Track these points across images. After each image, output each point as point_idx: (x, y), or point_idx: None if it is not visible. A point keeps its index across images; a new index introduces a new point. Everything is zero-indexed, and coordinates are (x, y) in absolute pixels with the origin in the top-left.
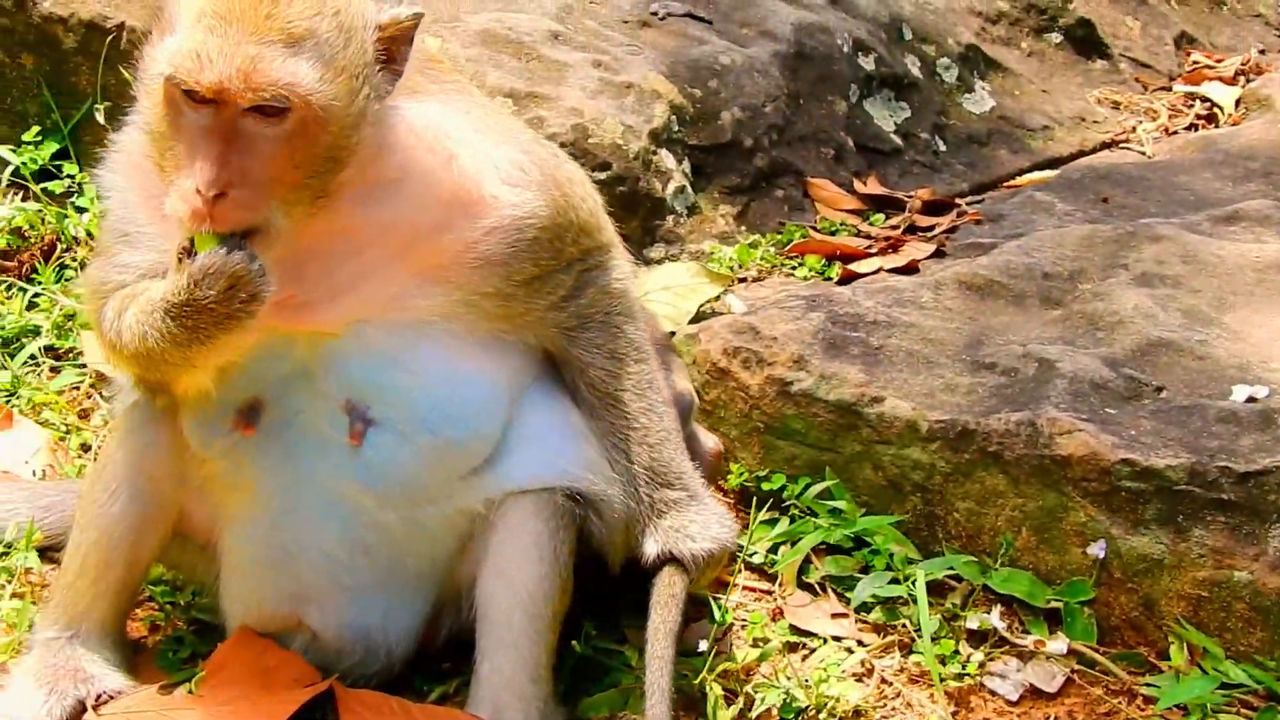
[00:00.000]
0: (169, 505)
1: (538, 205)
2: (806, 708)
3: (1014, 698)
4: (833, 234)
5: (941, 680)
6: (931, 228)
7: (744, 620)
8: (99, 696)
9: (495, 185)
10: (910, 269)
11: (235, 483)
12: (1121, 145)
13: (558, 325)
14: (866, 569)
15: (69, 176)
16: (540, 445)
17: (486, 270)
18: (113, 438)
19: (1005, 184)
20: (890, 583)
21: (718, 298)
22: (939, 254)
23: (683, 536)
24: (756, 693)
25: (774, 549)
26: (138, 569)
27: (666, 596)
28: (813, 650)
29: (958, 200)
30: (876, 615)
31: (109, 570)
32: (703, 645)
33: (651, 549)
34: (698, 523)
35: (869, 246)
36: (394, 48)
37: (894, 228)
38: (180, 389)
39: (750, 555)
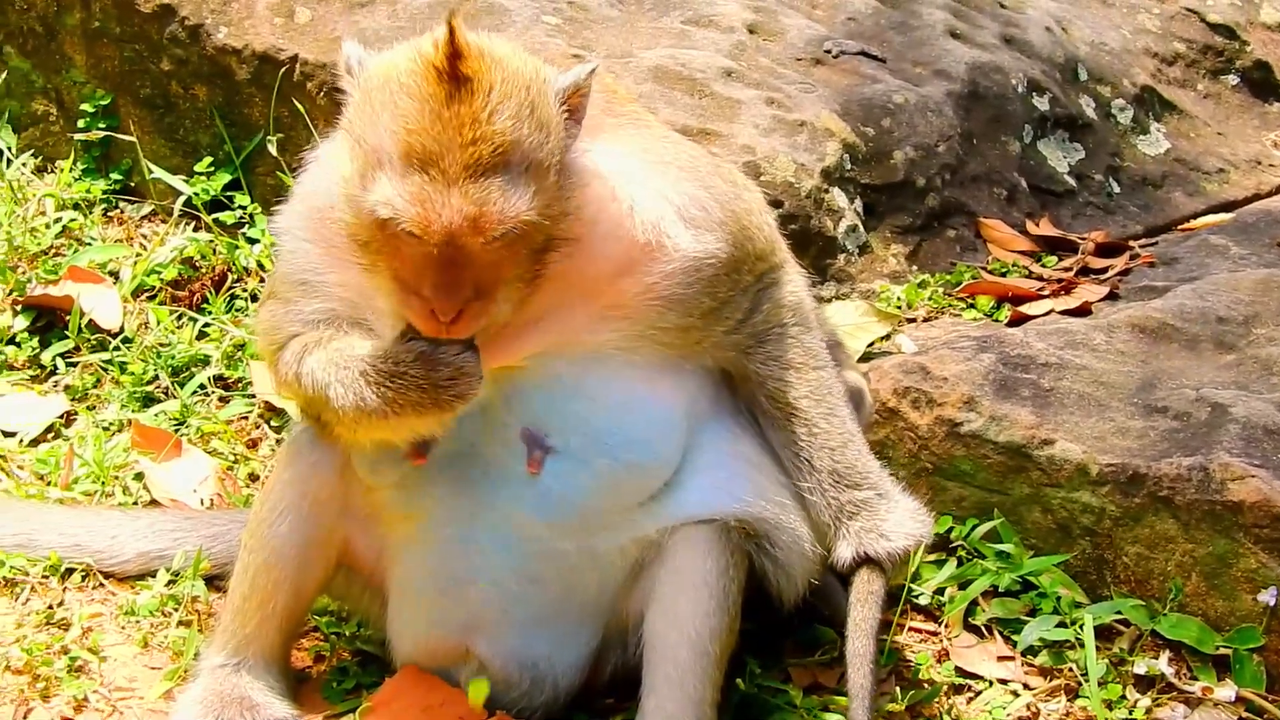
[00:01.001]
0: (334, 530)
1: (717, 247)
2: None
3: None
4: (1004, 275)
5: None
6: (1104, 270)
7: (910, 662)
8: None
9: (675, 228)
10: (1082, 311)
11: (405, 513)
12: None
13: (736, 347)
14: (1033, 612)
15: (240, 207)
16: (715, 474)
17: (664, 308)
18: (281, 460)
19: (1179, 227)
20: (1057, 626)
21: (886, 337)
22: (1112, 296)
23: (876, 536)
24: None
25: (940, 591)
26: (304, 594)
27: (865, 594)
28: (978, 693)
29: (1131, 243)
30: (1043, 659)
31: (276, 592)
32: None
33: (846, 552)
34: (890, 521)
35: (1041, 288)
36: (575, 107)
37: (1066, 269)
38: (337, 434)
39: (916, 596)
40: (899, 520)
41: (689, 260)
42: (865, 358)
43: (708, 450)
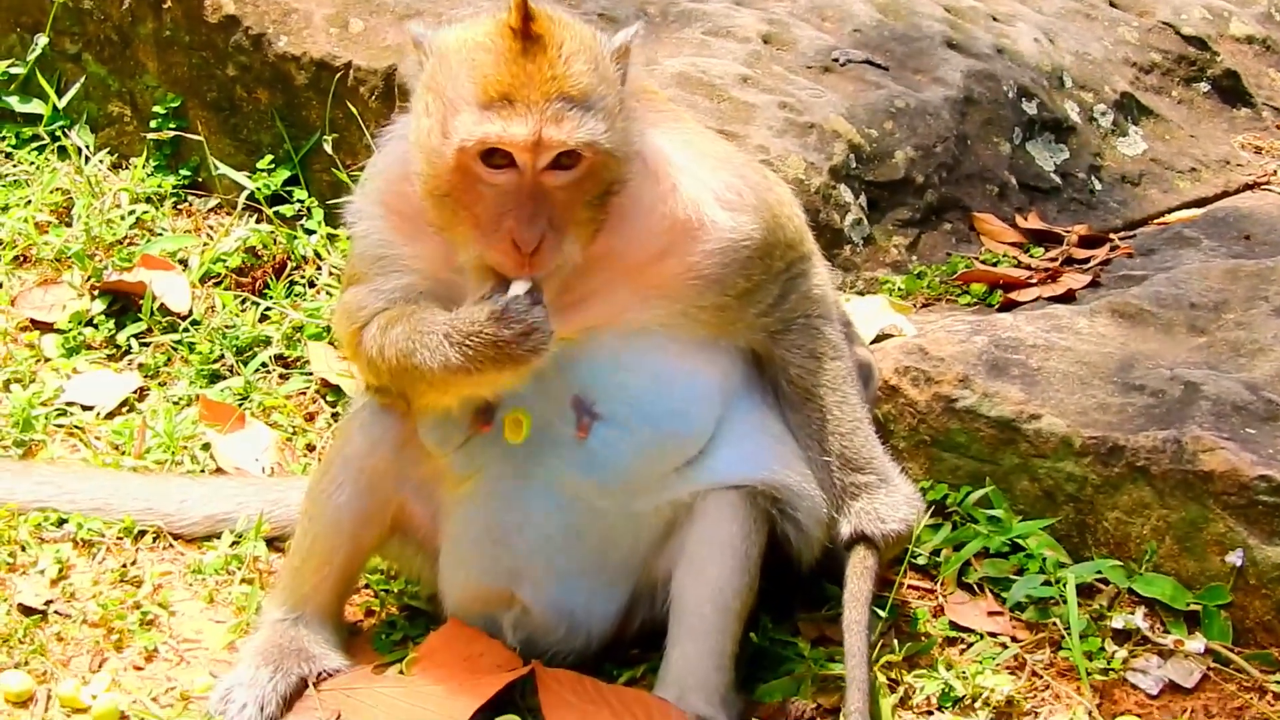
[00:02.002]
0: (389, 500)
1: (752, 229)
2: (963, 697)
3: (1154, 692)
4: (995, 265)
5: (1088, 674)
6: (1087, 260)
7: (908, 617)
8: (320, 674)
9: (714, 210)
10: (1067, 298)
11: (464, 474)
12: (1263, 187)
13: (765, 330)
14: (1021, 571)
15: (299, 201)
16: (745, 444)
17: (703, 287)
18: (341, 435)
19: (1155, 221)
20: (1043, 584)
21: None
22: (1094, 284)
23: (874, 518)
24: (917, 682)
25: (936, 552)
26: (359, 558)
27: (861, 569)
28: (970, 645)
29: (1111, 235)
30: (1029, 614)
31: (333, 556)
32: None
33: (845, 529)
34: (887, 505)
35: (1029, 277)
36: (625, 69)
37: (1052, 259)
38: (420, 405)
39: (915, 557)
40: (895, 504)
41: (726, 240)
42: (878, 339)
43: (739, 423)
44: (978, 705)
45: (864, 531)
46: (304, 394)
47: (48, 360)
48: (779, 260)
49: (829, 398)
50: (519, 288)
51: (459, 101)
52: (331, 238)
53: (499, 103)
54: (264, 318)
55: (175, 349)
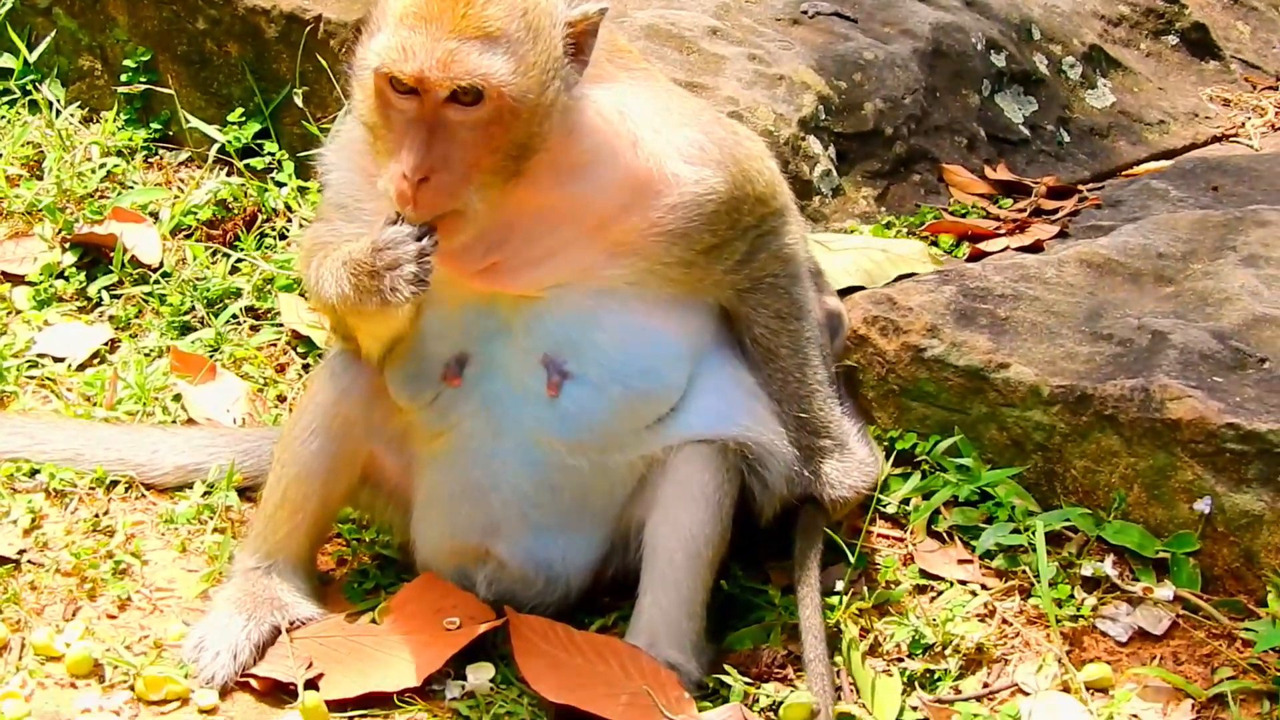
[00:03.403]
0: (359, 450)
1: (716, 181)
2: (933, 644)
3: (1123, 639)
4: (963, 216)
5: (1057, 622)
6: (1055, 211)
7: (877, 565)
8: (292, 623)
9: (676, 164)
10: (1035, 248)
11: (436, 430)
12: (1231, 139)
13: (733, 286)
14: (990, 520)
15: (269, 154)
16: (717, 399)
17: (669, 242)
18: (314, 383)
19: (1124, 173)
20: (1012, 533)
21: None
22: (1062, 235)
23: (823, 482)
24: (887, 629)
25: (906, 501)
26: (330, 505)
27: (808, 528)
28: (940, 593)
29: (1080, 187)
30: (999, 562)
31: (305, 503)
32: (839, 586)
33: (795, 489)
34: (838, 470)
35: (997, 228)
36: (582, 40)
37: (1021, 210)
38: (364, 350)
39: (884, 506)
40: (846, 470)
41: (689, 194)
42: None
43: (712, 378)
44: (948, 652)
45: (812, 494)
46: (274, 345)
47: (19, 312)
48: (747, 215)
49: (790, 360)
50: (406, 223)
51: (379, 25)
52: (302, 190)
53: (407, 30)
54: (235, 270)
55: (146, 301)
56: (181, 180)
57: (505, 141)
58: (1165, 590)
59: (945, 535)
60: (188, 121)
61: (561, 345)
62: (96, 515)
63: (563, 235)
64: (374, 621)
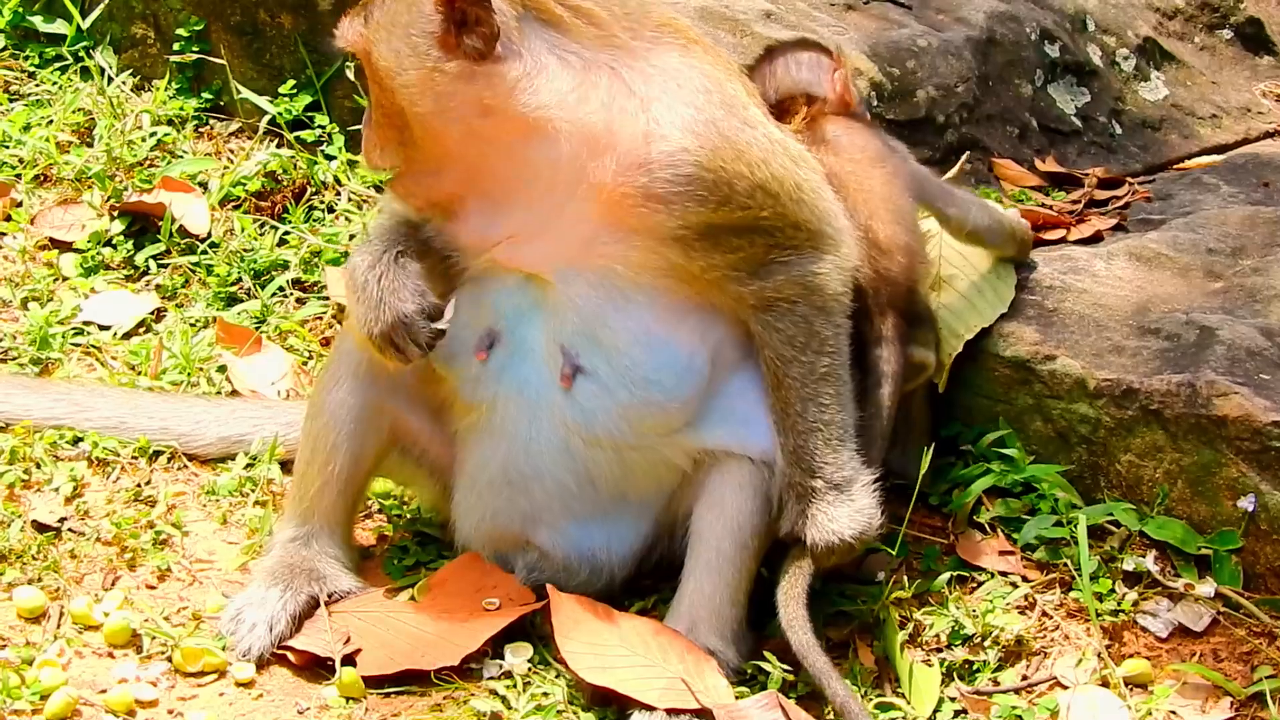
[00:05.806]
0: (384, 403)
1: (689, 142)
2: (972, 635)
3: (1164, 635)
4: (1020, 203)
5: (1097, 616)
6: (1107, 202)
7: (918, 554)
8: (331, 595)
9: (649, 126)
10: (1095, 238)
11: (472, 403)
12: None
13: (741, 300)
14: (1033, 512)
15: (320, 126)
16: (749, 425)
17: (655, 208)
18: (342, 334)
19: (1175, 166)
20: (1054, 525)
21: None
22: (1119, 228)
23: (811, 524)
24: (927, 619)
25: (948, 491)
26: (361, 462)
27: (792, 568)
28: (980, 584)
29: (1130, 179)
30: (1040, 554)
31: (334, 454)
32: (880, 575)
33: (783, 526)
34: (827, 514)
35: (1056, 220)
36: (469, 12)
37: (1075, 202)
38: None
39: (928, 497)
40: (836, 516)
41: (662, 153)
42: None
43: (740, 396)
44: (987, 644)
45: (795, 534)
46: (320, 319)
47: (66, 279)
48: (742, 197)
49: (796, 391)
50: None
51: None
52: (351, 163)
53: None
54: (282, 242)
55: (193, 271)
56: (231, 151)
57: (389, 103)
58: (1207, 587)
59: (987, 526)
60: (239, 92)
61: (575, 337)
62: (138, 485)
63: (554, 202)
64: (413, 598)
